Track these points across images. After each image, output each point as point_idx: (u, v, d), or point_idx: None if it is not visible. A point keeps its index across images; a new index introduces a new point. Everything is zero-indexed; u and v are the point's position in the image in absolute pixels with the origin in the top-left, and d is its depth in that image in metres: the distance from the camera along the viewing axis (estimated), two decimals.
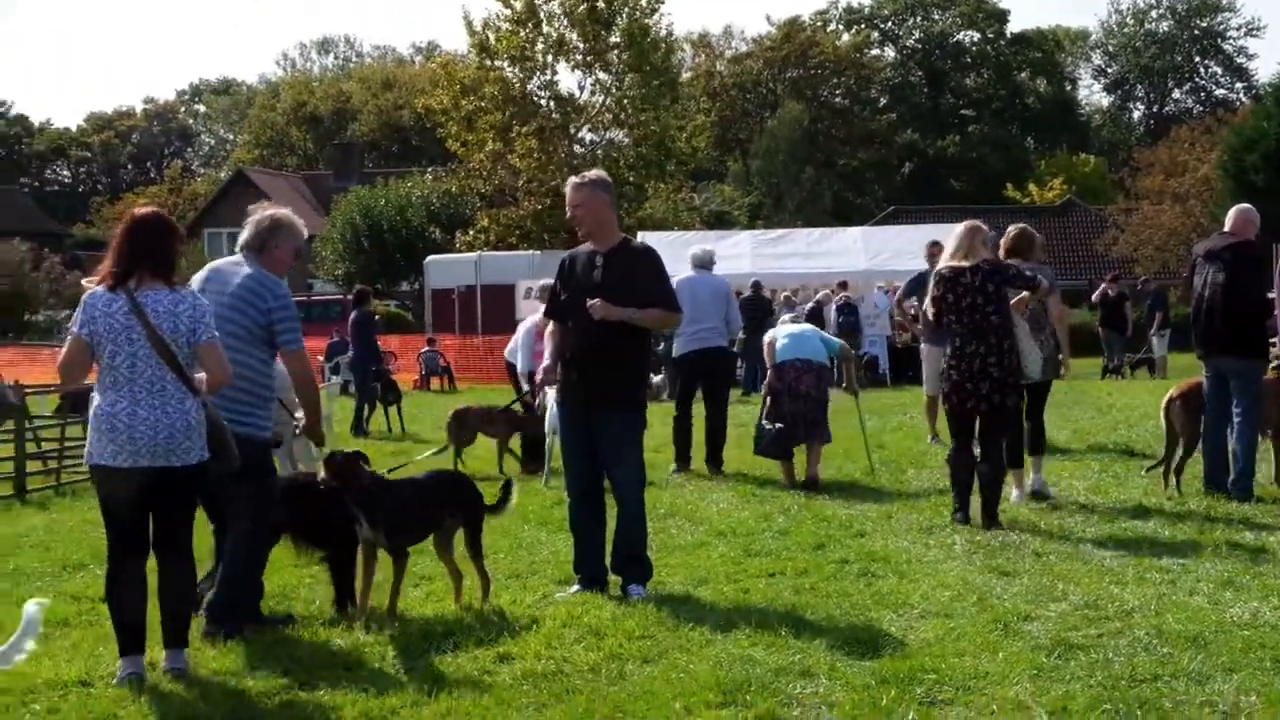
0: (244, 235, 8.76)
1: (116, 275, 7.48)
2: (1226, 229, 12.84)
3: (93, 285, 7.56)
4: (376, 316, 25.99)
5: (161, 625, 7.62)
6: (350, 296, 49.37)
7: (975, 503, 11.50)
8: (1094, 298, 34.33)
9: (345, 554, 8.93)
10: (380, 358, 25.41)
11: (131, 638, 7.51)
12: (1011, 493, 12.48)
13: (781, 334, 15.04)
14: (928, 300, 11.96)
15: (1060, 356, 13.27)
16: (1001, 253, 12.94)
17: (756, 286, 30.98)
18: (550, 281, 9.50)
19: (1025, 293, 11.82)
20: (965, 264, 11.45)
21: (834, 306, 31.88)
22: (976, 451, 11.62)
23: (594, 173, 9.65)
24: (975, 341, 11.34)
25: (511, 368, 18.18)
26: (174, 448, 7.43)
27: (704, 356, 15.38)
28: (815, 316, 31.10)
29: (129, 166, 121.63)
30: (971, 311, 11.35)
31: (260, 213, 8.79)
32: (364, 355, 24.01)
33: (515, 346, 17.80)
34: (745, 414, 19.29)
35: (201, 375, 7.62)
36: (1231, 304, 12.20)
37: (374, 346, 24.56)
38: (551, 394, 12.24)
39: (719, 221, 69.99)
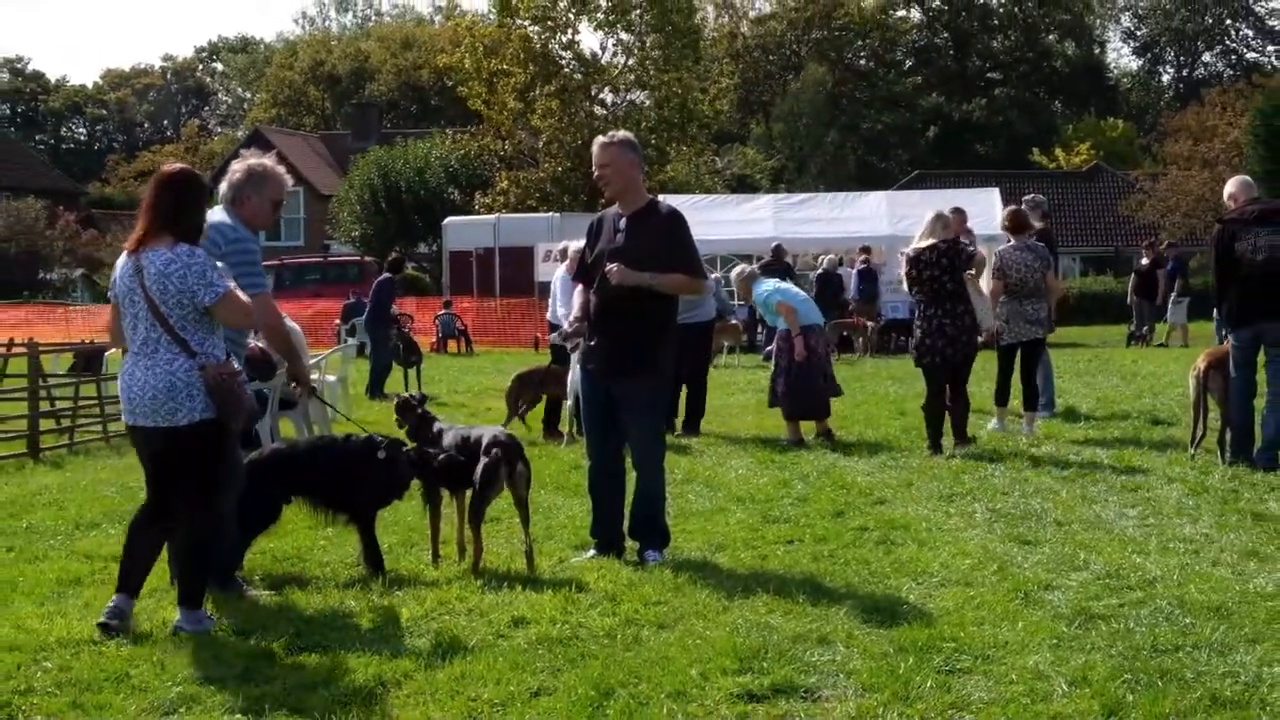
0: (221, 188, 8.67)
1: (137, 238, 7.60)
2: (1246, 196, 12.78)
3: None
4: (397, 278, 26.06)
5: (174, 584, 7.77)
6: (368, 259, 49.74)
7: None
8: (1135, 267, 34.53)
9: (367, 516, 8.96)
10: (395, 321, 25.42)
11: (124, 578, 7.74)
12: (1023, 427, 15.05)
13: (795, 299, 15.49)
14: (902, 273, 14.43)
15: (1049, 319, 15.41)
16: (1003, 229, 15.62)
17: (778, 251, 30.84)
18: (569, 243, 9.49)
19: (972, 270, 14.06)
20: (925, 244, 13.83)
21: (855, 273, 31.78)
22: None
23: (621, 133, 9.55)
24: (934, 306, 13.76)
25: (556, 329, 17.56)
26: (158, 408, 7.54)
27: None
28: (827, 282, 31.17)
29: (145, 125, 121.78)
30: (931, 283, 13.75)
31: (236, 163, 8.71)
32: (377, 316, 23.99)
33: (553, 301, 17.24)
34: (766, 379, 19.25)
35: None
36: None
37: (386, 310, 24.42)
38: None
39: (741, 185, 69.81)
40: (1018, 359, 15.23)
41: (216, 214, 8.50)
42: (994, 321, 14.92)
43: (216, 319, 7.61)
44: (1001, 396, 15.36)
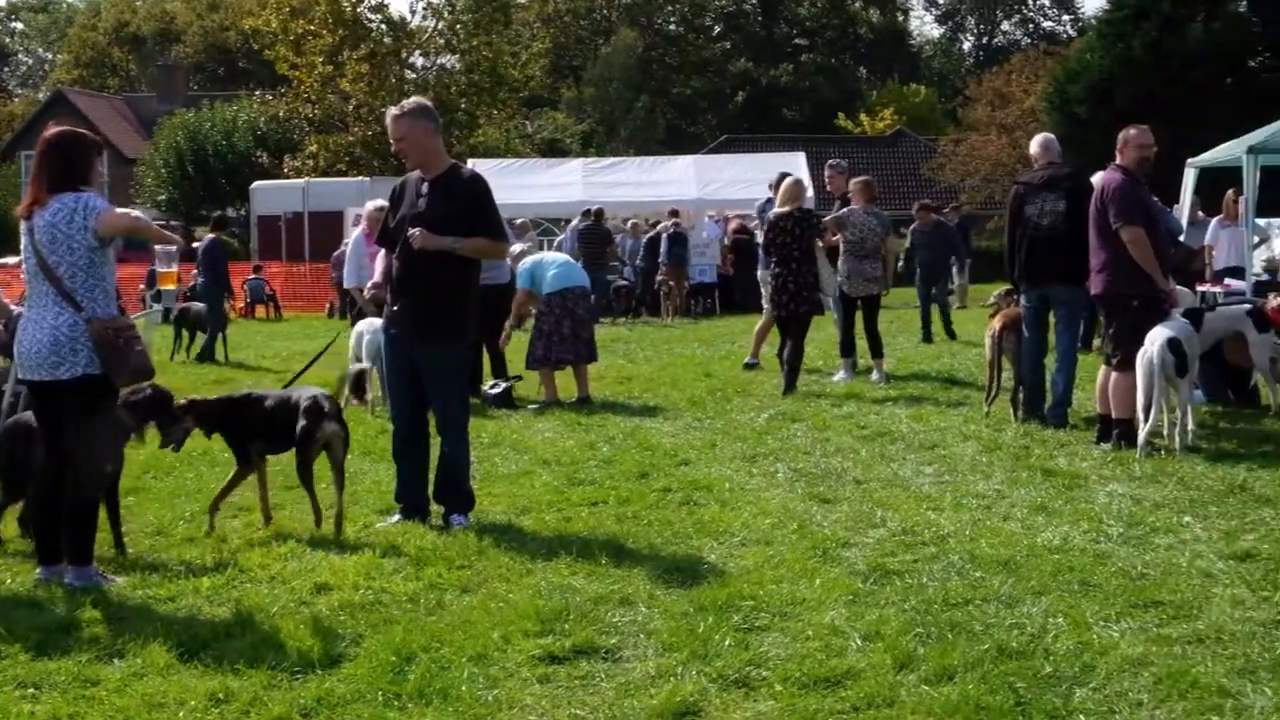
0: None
1: (28, 204, 7.78)
2: (1045, 159, 13.00)
3: None
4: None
5: None
6: (174, 224, 48.87)
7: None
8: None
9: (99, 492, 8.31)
10: (227, 285, 25.06)
11: (43, 546, 7.85)
12: (874, 374, 16.42)
13: (550, 264, 15.79)
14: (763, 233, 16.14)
15: (885, 278, 17.01)
16: (858, 200, 16.81)
17: (599, 215, 30.76)
18: (377, 203, 9.48)
19: (825, 232, 16.11)
20: (784, 209, 15.67)
21: (664, 236, 31.92)
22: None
23: (412, 101, 9.41)
24: (782, 266, 15.55)
25: (339, 286, 17.78)
26: (42, 362, 7.66)
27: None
28: (655, 246, 31.32)
29: None
30: (782, 247, 15.56)
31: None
32: (215, 282, 23.67)
33: (343, 261, 17.41)
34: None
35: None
36: (1076, 232, 12.24)
37: (223, 273, 24.16)
38: (362, 325, 13.14)
39: (551, 149, 69.64)
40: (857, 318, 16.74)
41: None
42: (834, 284, 16.38)
43: (104, 234, 7.64)
44: (846, 348, 16.81)
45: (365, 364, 14.21)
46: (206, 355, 22.72)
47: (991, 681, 5.77)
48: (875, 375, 16.37)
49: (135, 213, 8.29)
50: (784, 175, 16.85)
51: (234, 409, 9.24)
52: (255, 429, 9.20)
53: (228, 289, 24.64)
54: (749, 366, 17.57)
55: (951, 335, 21.99)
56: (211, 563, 8.16)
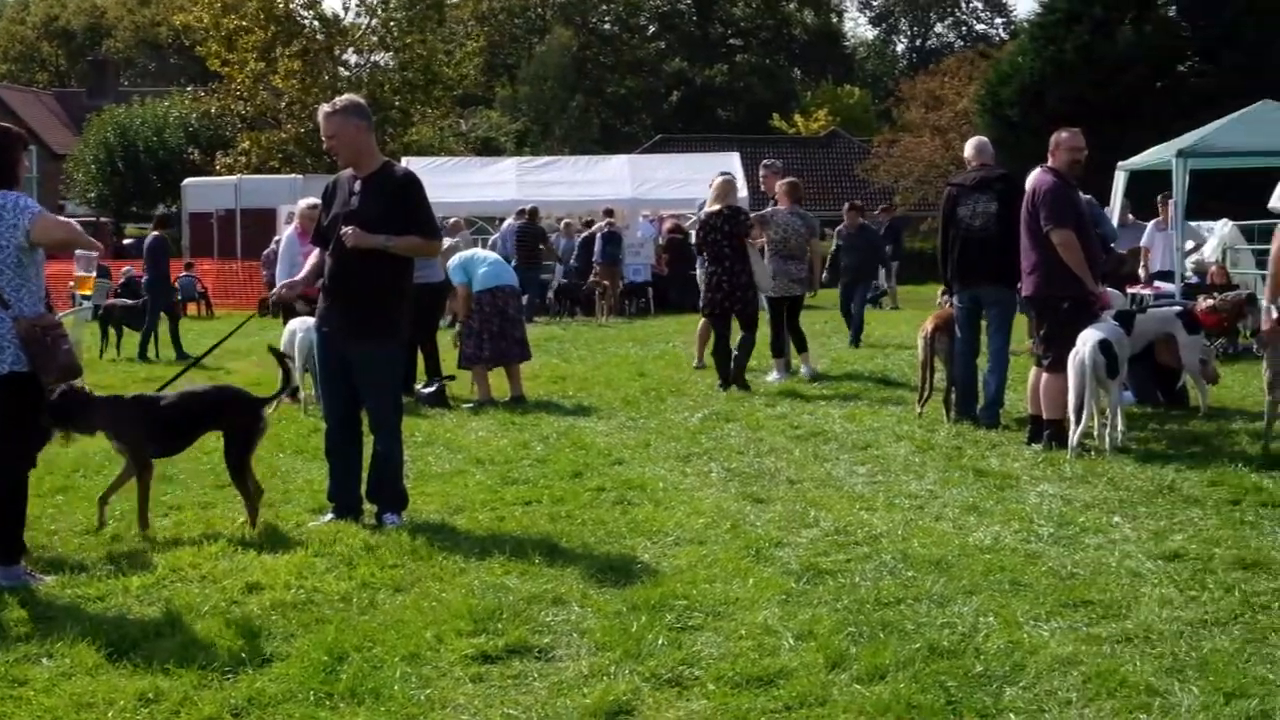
0: None
1: None
2: (979, 161, 13.06)
3: None
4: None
5: None
6: (104, 220, 48.46)
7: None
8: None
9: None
10: (169, 284, 24.92)
11: None
12: (802, 369, 16.69)
13: (480, 261, 15.63)
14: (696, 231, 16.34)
15: (812, 280, 17.22)
16: (783, 201, 17.01)
17: (534, 214, 30.70)
18: (310, 201, 9.44)
19: (754, 229, 16.15)
20: (715, 208, 15.86)
21: (599, 235, 31.92)
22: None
23: (345, 99, 9.34)
24: (714, 264, 15.78)
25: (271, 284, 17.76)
26: None
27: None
28: (589, 246, 31.33)
29: None
30: (714, 245, 15.76)
31: None
32: (158, 279, 23.58)
33: (275, 259, 17.36)
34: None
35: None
36: (1007, 233, 12.28)
37: (165, 271, 24.05)
38: (295, 323, 13.04)
39: (486, 148, 69.46)
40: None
41: None
42: (770, 281, 16.49)
43: (37, 240, 7.60)
44: (777, 348, 16.69)
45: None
46: (179, 352, 22.74)
47: (923, 680, 5.81)
48: (804, 369, 16.63)
49: (75, 224, 8.23)
50: (729, 179, 16.61)
51: (122, 410, 9.07)
52: (148, 432, 9.03)
53: (167, 288, 24.57)
54: (700, 369, 17.35)
55: (857, 342, 21.49)
56: (141, 562, 8.10)
